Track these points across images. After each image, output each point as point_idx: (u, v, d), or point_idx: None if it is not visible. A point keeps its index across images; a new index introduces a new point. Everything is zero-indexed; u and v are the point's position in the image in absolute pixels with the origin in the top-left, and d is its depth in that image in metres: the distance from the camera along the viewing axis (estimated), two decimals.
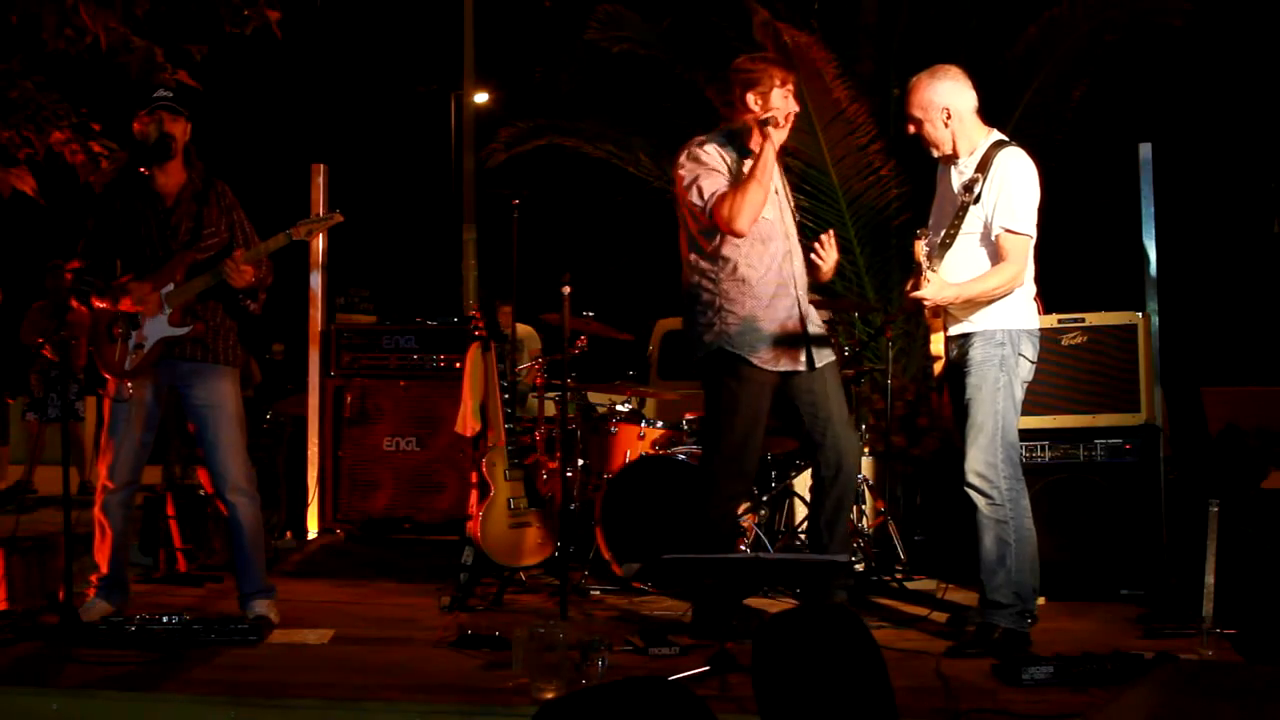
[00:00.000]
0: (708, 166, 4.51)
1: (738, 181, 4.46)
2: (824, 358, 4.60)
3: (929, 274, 4.18)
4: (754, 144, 4.49)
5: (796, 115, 4.63)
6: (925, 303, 4.24)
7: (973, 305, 4.29)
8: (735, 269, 4.53)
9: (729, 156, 4.55)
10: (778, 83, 4.51)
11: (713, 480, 4.62)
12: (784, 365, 4.55)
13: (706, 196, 4.45)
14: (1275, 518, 4.75)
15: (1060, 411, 5.20)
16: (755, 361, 4.51)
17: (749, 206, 4.38)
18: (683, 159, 4.59)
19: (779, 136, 4.48)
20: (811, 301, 4.97)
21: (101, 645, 4.27)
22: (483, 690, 3.77)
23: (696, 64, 8.35)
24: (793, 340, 4.55)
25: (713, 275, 4.56)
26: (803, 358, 4.56)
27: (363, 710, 3.64)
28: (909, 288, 4.29)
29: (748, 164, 4.50)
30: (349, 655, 4.29)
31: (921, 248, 4.19)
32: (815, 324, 4.63)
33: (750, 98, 4.52)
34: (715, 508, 4.62)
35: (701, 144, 4.59)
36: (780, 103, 4.51)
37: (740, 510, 5.40)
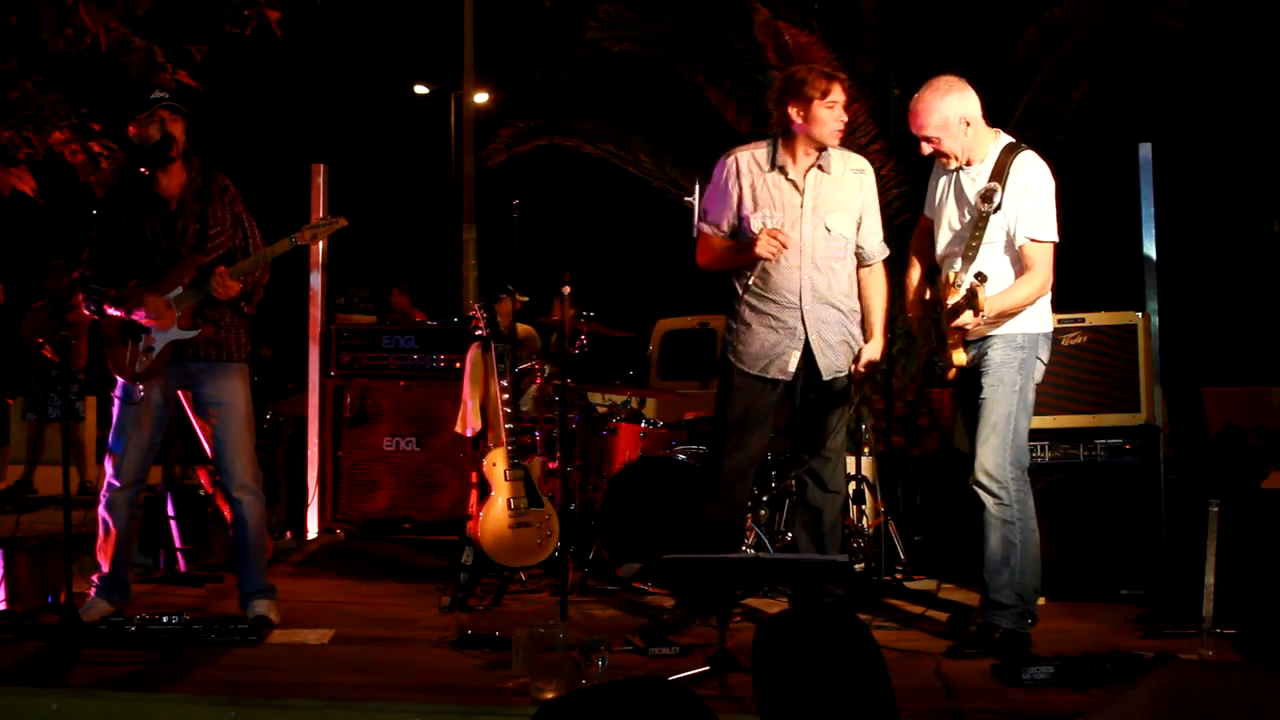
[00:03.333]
0: (716, 187, 4.64)
1: (751, 203, 4.55)
2: (829, 373, 4.61)
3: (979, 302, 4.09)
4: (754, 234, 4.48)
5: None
6: (968, 328, 4.19)
7: (1002, 316, 4.26)
8: (740, 280, 4.63)
9: (754, 170, 4.59)
10: (818, 94, 4.45)
11: (709, 477, 4.78)
12: (773, 373, 4.60)
13: (695, 222, 4.68)
14: (1275, 518, 4.75)
15: (1060, 411, 5.20)
16: (743, 367, 4.63)
17: (709, 259, 4.66)
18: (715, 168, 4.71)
19: (766, 253, 4.43)
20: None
21: (102, 645, 4.28)
22: (483, 690, 3.77)
23: (696, 64, 8.34)
24: (786, 350, 4.57)
25: (733, 285, 4.69)
26: (791, 367, 4.58)
27: (363, 710, 3.64)
28: (949, 305, 4.25)
29: (770, 181, 4.54)
30: (349, 655, 4.29)
31: (982, 289, 4.08)
32: (826, 339, 4.59)
33: (792, 110, 4.49)
34: (710, 505, 4.74)
35: (730, 153, 4.66)
36: (825, 115, 4.46)
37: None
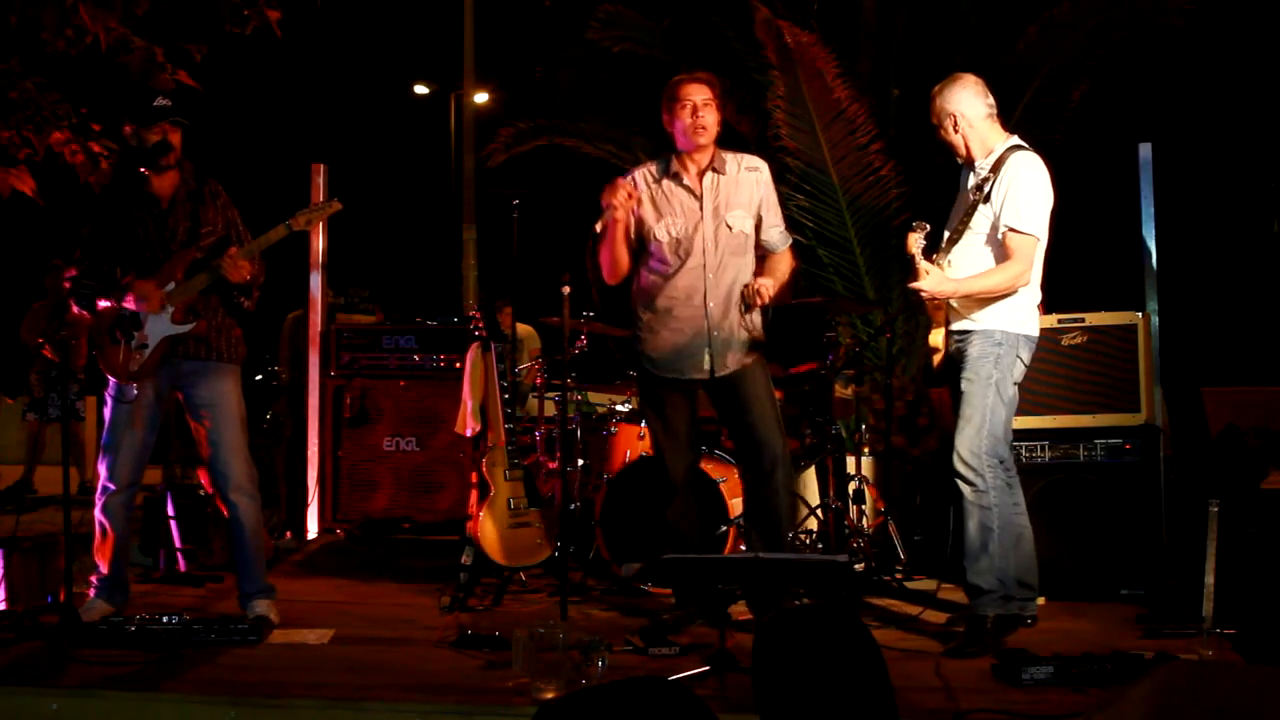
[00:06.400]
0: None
1: (654, 213, 4.61)
2: (732, 365, 4.60)
3: (925, 266, 4.25)
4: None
5: (789, 106, 4.63)
6: (922, 294, 4.32)
7: (974, 302, 4.37)
8: (639, 284, 4.69)
9: (650, 183, 4.67)
10: (673, 98, 4.55)
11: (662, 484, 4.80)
12: (689, 374, 4.61)
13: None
14: (1275, 518, 4.75)
15: (1060, 411, 5.20)
16: (651, 370, 4.68)
17: (601, 265, 4.62)
18: None
19: (619, 215, 4.50)
20: (813, 301, 4.97)
21: (101, 645, 4.28)
22: (483, 690, 3.77)
23: (696, 64, 8.33)
24: (692, 350, 4.58)
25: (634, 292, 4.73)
26: (706, 366, 4.59)
27: (363, 710, 3.64)
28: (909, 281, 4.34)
29: (666, 189, 4.61)
30: (349, 655, 4.30)
31: (916, 240, 4.26)
32: (730, 335, 4.59)
33: (665, 120, 4.62)
34: (668, 509, 4.77)
35: (627, 174, 4.72)
36: (681, 115, 4.53)
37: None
